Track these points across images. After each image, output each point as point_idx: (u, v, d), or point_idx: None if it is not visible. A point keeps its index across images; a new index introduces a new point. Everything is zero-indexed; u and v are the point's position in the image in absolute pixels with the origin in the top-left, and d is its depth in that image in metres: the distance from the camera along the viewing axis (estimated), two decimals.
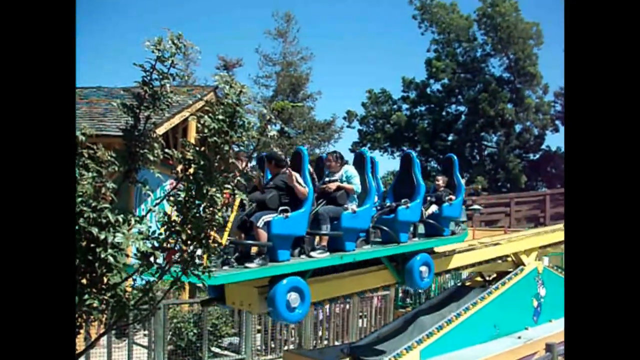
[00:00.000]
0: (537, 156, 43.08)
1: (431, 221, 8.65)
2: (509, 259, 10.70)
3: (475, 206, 20.60)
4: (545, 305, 10.67)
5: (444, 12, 41.72)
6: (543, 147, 42.84)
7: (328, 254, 7.13)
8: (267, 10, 76.45)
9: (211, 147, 3.40)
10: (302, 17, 62.59)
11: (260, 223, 6.37)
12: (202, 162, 3.34)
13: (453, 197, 8.98)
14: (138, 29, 66.73)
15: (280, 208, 6.57)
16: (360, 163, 8.06)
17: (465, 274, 16.56)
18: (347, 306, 13.56)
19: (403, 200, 8.08)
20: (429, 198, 8.96)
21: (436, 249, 9.02)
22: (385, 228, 7.98)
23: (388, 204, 8.35)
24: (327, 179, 7.65)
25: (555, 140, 74.73)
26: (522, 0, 41.11)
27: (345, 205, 7.34)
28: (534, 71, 39.56)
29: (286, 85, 37.67)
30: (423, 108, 42.98)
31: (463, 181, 9.50)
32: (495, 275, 11.07)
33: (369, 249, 7.79)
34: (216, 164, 3.39)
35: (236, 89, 3.32)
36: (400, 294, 15.64)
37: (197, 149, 3.48)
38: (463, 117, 40.35)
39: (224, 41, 70.61)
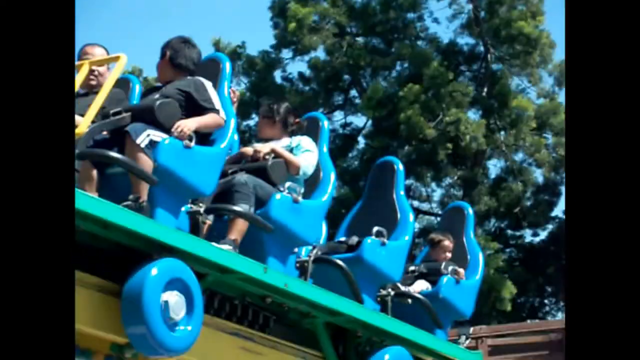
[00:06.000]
0: None
1: (420, 297, 4.76)
2: None
3: None
4: None
5: None
6: None
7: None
8: None
9: None
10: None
11: (140, 139, 3.33)
12: None
13: (462, 271, 5.09)
14: None
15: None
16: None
17: None
18: None
19: (375, 230, 4.38)
20: (415, 267, 5.22)
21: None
22: (340, 263, 4.17)
23: (344, 239, 4.68)
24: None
25: None
26: None
27: (281, 187, 3.95)
28: None
29: None
30: None
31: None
32: None
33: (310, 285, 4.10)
34: None
35: None
36: None
37: None
38: None
39: None
